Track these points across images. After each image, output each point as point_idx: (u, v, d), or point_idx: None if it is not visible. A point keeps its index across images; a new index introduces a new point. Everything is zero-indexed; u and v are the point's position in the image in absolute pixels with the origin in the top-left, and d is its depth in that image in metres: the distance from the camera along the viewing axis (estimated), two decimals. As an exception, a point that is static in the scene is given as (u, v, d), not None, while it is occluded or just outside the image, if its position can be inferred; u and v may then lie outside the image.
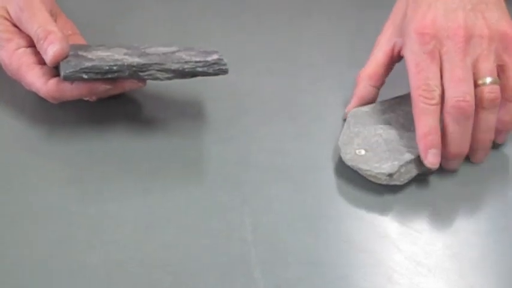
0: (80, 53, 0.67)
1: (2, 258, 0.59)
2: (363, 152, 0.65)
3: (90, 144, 0.68)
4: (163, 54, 0.66)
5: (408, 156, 0.64)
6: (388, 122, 0.68)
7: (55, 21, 0.71)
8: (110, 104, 0.70)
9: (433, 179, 0.66)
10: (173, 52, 0.67)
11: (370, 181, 0.64)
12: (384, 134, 0.66)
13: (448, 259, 0.60)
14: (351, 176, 0.65)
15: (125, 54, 0.67)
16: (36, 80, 0.67)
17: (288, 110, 0.73)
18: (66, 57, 0.66)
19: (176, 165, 0.67)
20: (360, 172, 0.64)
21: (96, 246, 0.60)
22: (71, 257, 0.59)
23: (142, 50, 0.68)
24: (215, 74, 0.66)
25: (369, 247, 0.60)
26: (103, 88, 0.67)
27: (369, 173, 0.64)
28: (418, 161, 0.64)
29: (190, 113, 0.72)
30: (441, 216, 0.63)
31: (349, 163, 0.65)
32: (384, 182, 0.63)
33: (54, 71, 0.67)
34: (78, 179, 0.66)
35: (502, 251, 0.60)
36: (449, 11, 0.65)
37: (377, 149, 0.65)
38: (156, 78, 0.65)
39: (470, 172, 0.66)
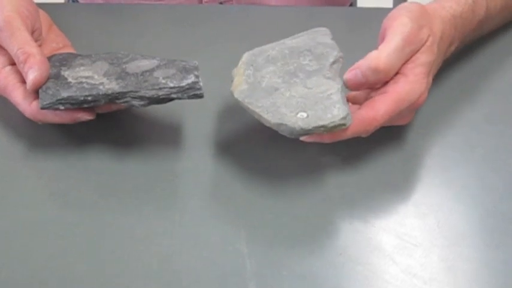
0: (63, 71, 0.68)
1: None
2: (304, 114, 0.63)
3: (79, 158, 0.68)
4: (142, 75, 0.67)
5: (335, 96, 0.63)
6: (275, 84, 0.66)
7: (41, 35, 0.71)
8: (96, 119, 0.69)
9: (430, 191, 0.66)
10: (152, 70, 0.67)
11: (365, 192, 0.65)
12: (292, 92, 0.65)
13: (443, 272, 0.60)
14: (345, 186, 0.65)
15: (105, 74, 0.67)
16: (21, 101, 0.67)
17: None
18: (47, 79, 0.66)
19: (170, 179, 0.67)
20: (322, 130, 0.62)
21: (91, 258, 0.60)
22: (65, 270, 0.59)
23: (124, 67, 0.68)
24: (190, 98, 0.66)
25: (364, 260, 0.60)
26: (85, 119, 0.67)
27: (332, 125, 0.62)
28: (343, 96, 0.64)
29: (179, 129, 0.71)
30: (437, 228, 0.63)
31: (309, 128, 0.62)
32: (344, 126, 0.62)
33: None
34: (71, 193, 0.65)
35: (497, 265, 0.60)
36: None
37: (309, 105, 0.63)
38: (132, 105, 0.66)
39: (467, 186, 0.66)
